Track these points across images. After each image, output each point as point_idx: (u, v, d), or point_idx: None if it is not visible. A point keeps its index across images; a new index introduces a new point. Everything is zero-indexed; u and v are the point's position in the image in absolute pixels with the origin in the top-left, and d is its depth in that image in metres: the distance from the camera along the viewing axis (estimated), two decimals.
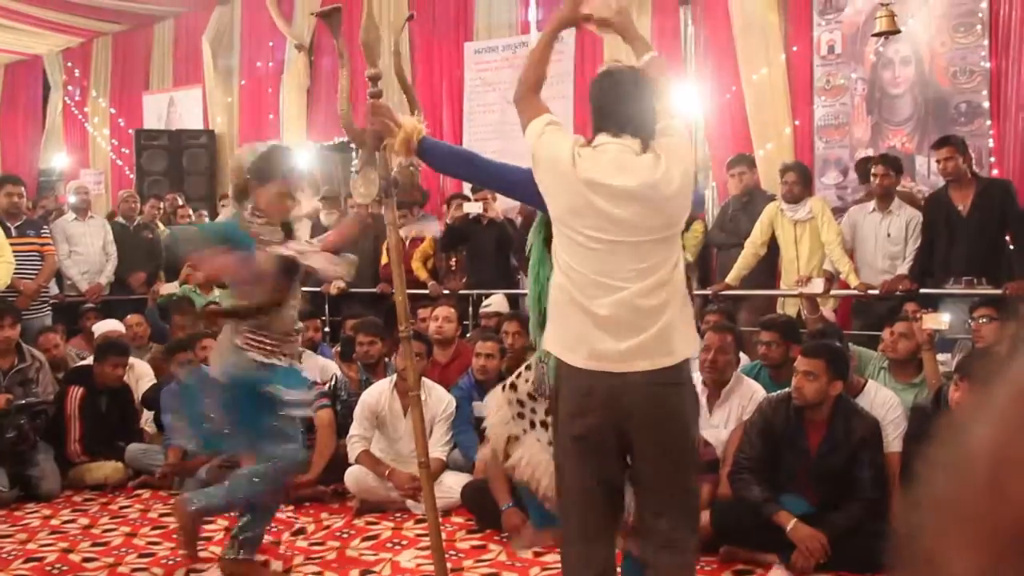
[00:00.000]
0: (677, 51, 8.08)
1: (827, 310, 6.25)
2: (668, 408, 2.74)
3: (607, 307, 2.68)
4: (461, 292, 7.19)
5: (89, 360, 6.37)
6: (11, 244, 6.91)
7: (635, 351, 2.67)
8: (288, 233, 3.92)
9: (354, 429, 5.28)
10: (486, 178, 3.38)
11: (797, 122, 7.52)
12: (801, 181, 6.52)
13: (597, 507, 2.83)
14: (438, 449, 5.20)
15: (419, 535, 4.59)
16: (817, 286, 6.07)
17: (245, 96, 10.76)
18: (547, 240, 3.12)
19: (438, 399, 5.29)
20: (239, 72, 10.79)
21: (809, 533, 3.97)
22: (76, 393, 5.99)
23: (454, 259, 7.45)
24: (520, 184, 3.13)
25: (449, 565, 4.21)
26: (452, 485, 5.08)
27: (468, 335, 6.66)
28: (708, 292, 6.89)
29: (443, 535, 4.60)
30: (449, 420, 5.26)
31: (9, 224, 7.00)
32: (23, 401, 5.70)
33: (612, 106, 2.77)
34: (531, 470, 3.06)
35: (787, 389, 4.27)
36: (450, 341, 5.95)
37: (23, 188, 7.57)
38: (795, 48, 7.51)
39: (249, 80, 10.72)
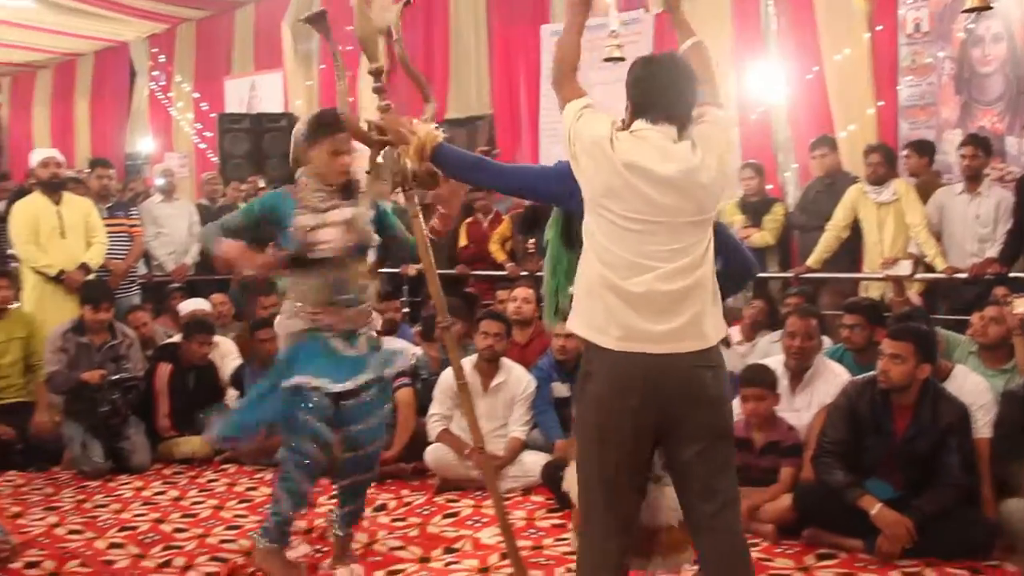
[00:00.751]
0: (757, 32, 7.97)
1: (913, 293, 6.13)
2: (710, 390, 2.71)
3: (642, 286, 2.67)
4: (539, 273, 7.19)
5: (176, 338, 6.54)
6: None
7: (673, 333, 2.66)
8: (348, 194, 3.86)
9: (434, 408, 5.35)
10: (501, 182, 3.34)
11: (881, 103, 7.36)
12: (885, 162, 6.41)
13: (622, 499, 2.79)
14: (518, 429, 5.25)
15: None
16: (904, 268, 5.96)
17: (324, 79, 10.86)
18: (562, 235, 3.13)
19: (518, 379, 5.32)
20: (318, 56, 10.89)
21: (894, 518, 3.92)
22: (164, 370, 6.16)
23: (532, 240, 7.46)
24: (536, 184, 3.16)
25: (529, 543, 4.27)
26: (532, 464, 5.12)
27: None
28: (789, 275, 6.82)
29: (523, 513, 4.72)
30: (529, 400, 5.29)
31: (100, 206, 7.19)
32: (116, 377, 5.88)
33: (651, 94, 2.74)
34: None
35: (872, 372, 4.21)
36: (529, 322, 5.97)
37: (113, 171, 7.79)
38: (880, 27, 7.34)
39: (328, 63, 10.81)
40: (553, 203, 3.18)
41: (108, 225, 7.07)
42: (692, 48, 2.93)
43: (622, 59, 5.58)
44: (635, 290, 2.67)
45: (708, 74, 2.88)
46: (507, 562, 3.89)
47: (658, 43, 8.32)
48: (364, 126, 3.52)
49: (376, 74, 3.41)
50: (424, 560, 4.14)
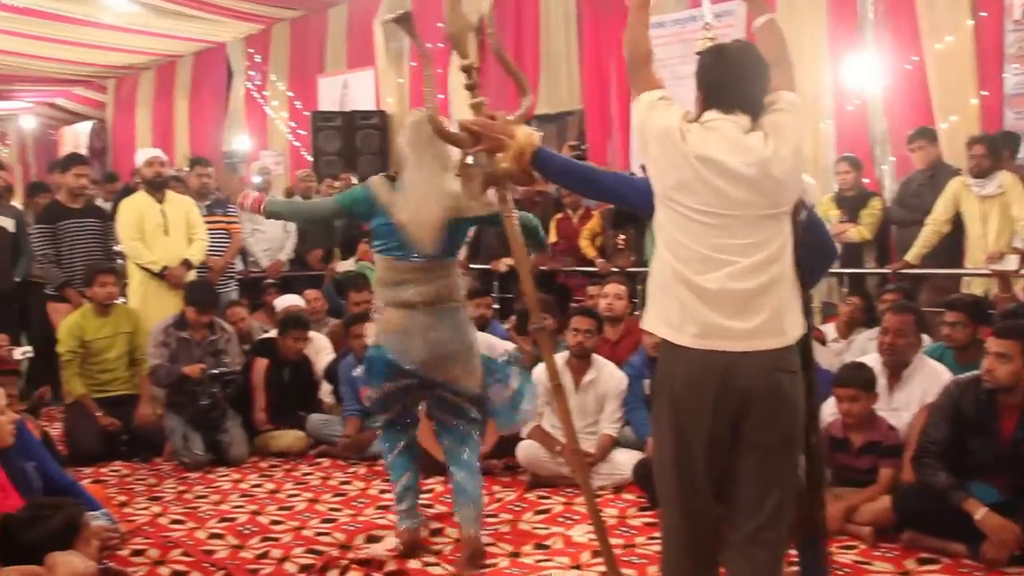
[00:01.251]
0: (854, 20, 7.79)
1: (1019, 289, 5.93)
2: (786, 394, 2.62)
3: (716, 283, 2.59)
4: (630, 270, 7.17)
5: (272, 333, 6.68)
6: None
7: (752, 330, 2.59)
8: None
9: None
10: (600, 192, 3.29)
11: (985, 92, 7.13)
12: (990, 154, 6.20)
13: (700, 503, 2.71)
14: (609, 426, 5.23)
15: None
16: (1011, 263, 5.76)
17: (416, 77, 10.97)
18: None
19: (609, 376, 5.30)
20: (409, 53, 11.00)
21: (1001, 523, 3.79)
22: (261, 364, 6.30)
23: (622, 237, 7.44)
24: (635, 197, 3.08)
25: (620, 541, 4.25)
26: (623, 462, 5.09)
27: (636, 313, 6.64)
28: (887, 271, 6.66)
29: (615, 511, 4.70)
30: (620, 397, 5.27)
31: (200, 203, 7.38)
32: (215, 371, 6.03)
33: (722, 83, 2.67)
34: None
35: (976, 371, 4.08)
36: (620, 318, 5.94)
37: (212, 169, 7.97)
38: (984, 13, 7.11)
39: (419, 61, 10.92)
40: (649, 215, 3.14)
41: (207, 222, 7.24)
42: (765, 26, 2.85)
43: None
44: (709, 286, 2.59)
45: (781, 54, 2.79)
46: (598, 560, 3.88)
47: (750, 36, 8.20)
48: (455, 127, 3.52)
49: (467, 71, 3.40)
50: (515, 556, 4.15)
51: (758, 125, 2.63)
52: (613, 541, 3.85)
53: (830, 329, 6.07)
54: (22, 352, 6.38)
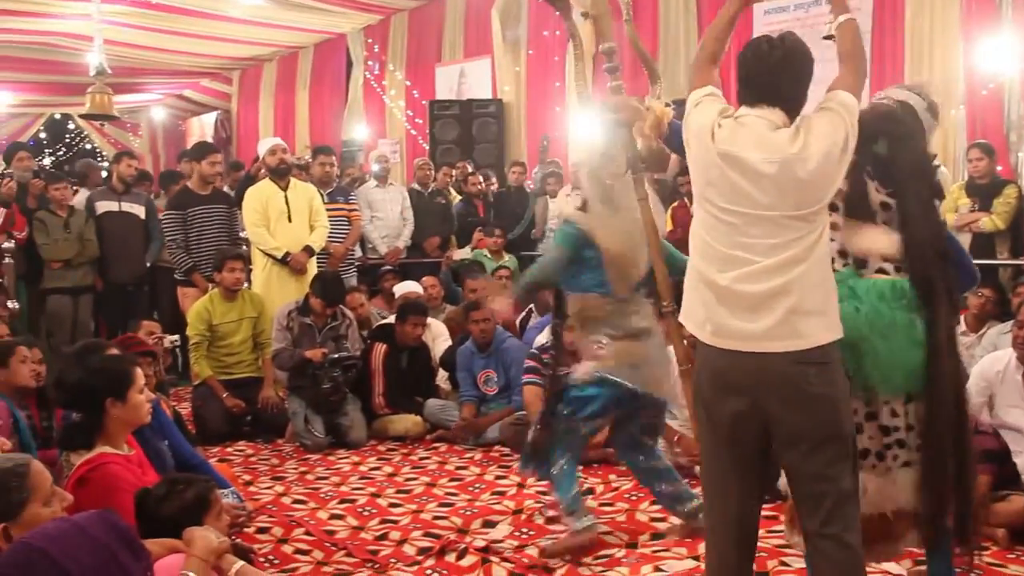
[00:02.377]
0: (991, 2, 7.47)
1: None
2: (812, 388, 2.57)
3: (733, 282, 2.59)
4: None
5: (390, 319, 6.78)
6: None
7: (764, 332, 2.57)
8: None
9: None
10: None
11: None
12: None
13: (732, 494, 2.73)
14: None
15: None
16: None
17: (532, 65, 10.97)
18: None
19: None
20: (526, 42, 11.01)
21: None
22: (380, 349, 6.40)
23: None
24: None
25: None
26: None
27: None
28: (1022, 262, 6.39)
29: None
30: None
31: (322, 191, 7.53)
32: (336, 355, 6.15)
33: (755, 76, 2.64)
34: None
35: None
36: None
37: (334, 158, 8.12)
38: None
39: (536, 49, 10.92)
40: None
41: (328, 210, 7.38)
42: (842, 25, 2.77)
43: None
44: (726, 285, 2.61)
45: (849, 56, 2.72)
46: None
47: (878, 19, 7.96)
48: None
49: (609, 54, 3.41)
50: (631, 546, 4.12)
51: (796, 121, 2.58)
52: None
53: (960, 323, 5.85)
54: (171, 341, 6.62)
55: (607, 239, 3.76)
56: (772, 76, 2.61)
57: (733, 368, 2.65)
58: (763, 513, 4.35)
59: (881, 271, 2.89)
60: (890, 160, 2.88)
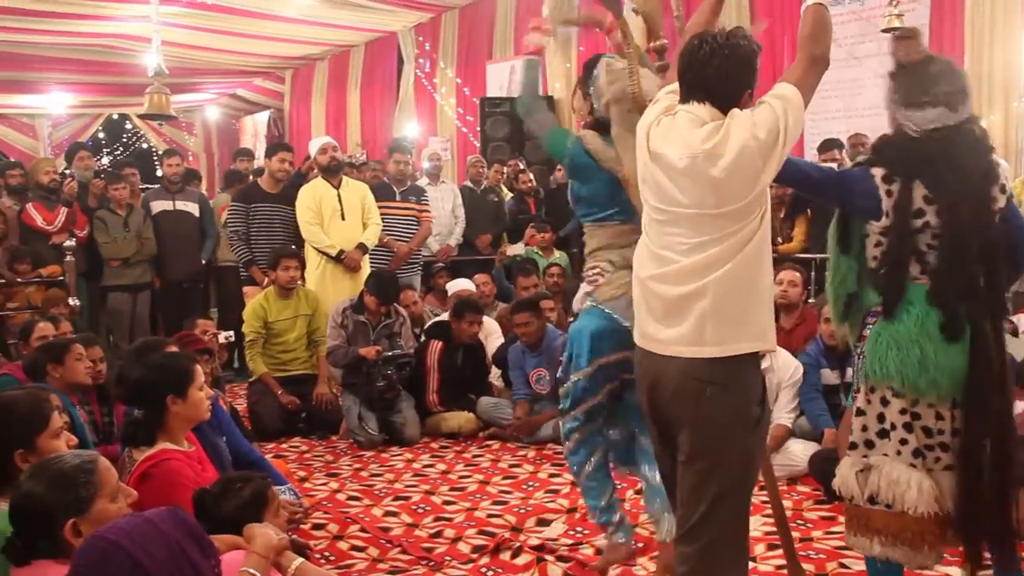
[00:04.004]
0: None
1: None
2: (702, 409, 2.56)
3: (655, 280, 2.60)
4: (805, 256, 6.95)
5: (443, 316, 6.80)
6: (394, 208, 7.53)
7: (670, 337, 2.58)
8: None
9: None
10: (786, 178, 2.98)
11: None
12: None
13: (670, 479, 2.81)
14: (783, 416, 5.09)
15: (763, 501, 4.50)
16: None
17: (583, 62, 10.92)
18: (839, 243, 3.00)
19: (784, 365, 5.16)
20: (577, 38, 10.96)
21: None
22: (436, 347, 6.42)
23: (795, 222, 7.21)
24: (822, 184, 2.97)
25: (797, 535, 4.12)
26: (798, 453, 4.96)
27: (811, 301, 6.45)
28: None
29: (790, 503, 4.57)
30: (795, 386, 5.12)
31: (396, 189, 7.58)
32: (390, 353, 6.19)
33: (685, 71, 2.60)
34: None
35: None
36: (795, 306, 5.77)
37: (410, 156, 8.14)
38: None
39: (587, 46, 10.85)
40: (842, 206, 3.02)
41: (398, 208, 7.47)
42: (807, 10, 2.68)
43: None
44: (648, 283, 2.64)
45: (805, 43, 2.62)
46: (774, 553, 3.79)
47: (936, 8, 7.81)
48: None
49: (660, 51, 3.38)
50: None
51: (726, 116, 2.52)
52: None
53: (1022, 320, 5.73)
54: (225, 337, 6.71)
55: (630, 163, 3.26)
56: (699, 71, 2.55)
57: (644, 369, 2.71)
58: (822, 514, 4.38)
59: None
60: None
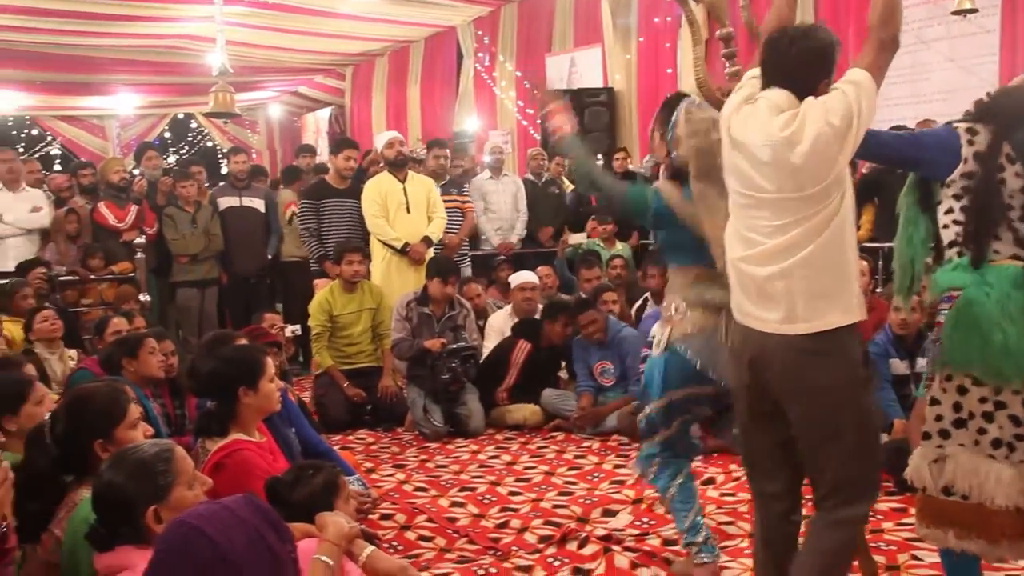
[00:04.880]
0: None
1: None
2: (808, 380, 2.63)
3: (746, 262, 2.68)
4: (872, 245, 6.84)
5: (507, 309, 6.84)
6: None
7: (769, 314, 2.64)
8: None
9: None
10: (864, 152, 2.93)
11: None
12: None
13: (759, 467, 2.89)
14: None
15: None
16: None
17: (643, 52, 10.87)
18: (919, 201, 2.95)
19: None
20: (637, 29, 10.91)
21: None
22: (524, 347, 6.41)
23: (863, 211, 7.09)
24: (901, 148, 2.93)
25: (868, 526, 4.08)
26: None
27: (879, 290, 6.35)
28: None
29: None
30: None
31: (436, 183, 7.62)
32: (455, 345, 6.23)
33: (766, 59, 2.69)
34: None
35: None
36: (863, 295, 5.67)
37: (448, 151, 8.21)
38: None
39: (647, 36, 10.82)
40: (924, 173, 2.97)
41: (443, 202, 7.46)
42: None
43: (974, 10, 5.14)
44: (740, 265, 2.72)
45: (875, 27, 2.64)
46: None
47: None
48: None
49: (726, 40, 3.37)
50: (752, 535, 4.06)
51: (802, 104, 2.59)
52: None
53: None
54: (291, 331, 6.81)
55: (710, 222, 3.30)
56: (779, 58, 2.65)
57: (745, 345, 2.76)
58: (892, 505, 4.31)
59: (1016, 257, 2.78)
60: None
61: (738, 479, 4.86)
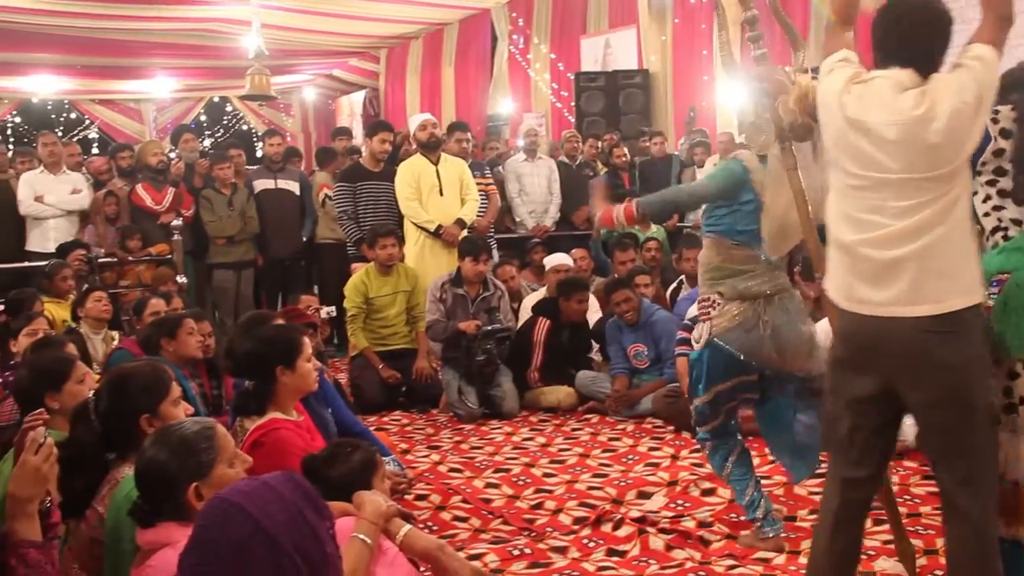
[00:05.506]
0: None
1: None
2: (937, 357, 2.52)
3: (865, 245, 2.57)
4: None
5: (541, 291, 6.84)
6: None
7: (893, 297, 2.54)
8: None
9: None
10: None
11: None
12: None
13: (850, 456, 2.74)
14: None
15: None
16: None
17: (678, 33, 10.79)
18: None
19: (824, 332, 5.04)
20: (672, 10, 10.83)
21: None
22: (544, 325, 6.42)
23: None
24: None
25: (904, 510, 4.04)
26: (905, 427, 4.80)
27: None
28: None
29: (896, 479, 4.48)
30: None
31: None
32: (489, 327, 6.24)
33: (885, 37, 2.58)
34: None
35: None
36: None
37: (470, 134, 8.18)
38: None
39: (682, 17, 10.73)
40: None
41: None
42: None
43: None
44: (857, 249, 2.61)
45: (991, 2, 2.56)
46: (880, 528, 3.72)
47: None
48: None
49: (751, 22, 3.34)
50: (790, 519, 4.04)
51: (927, 81, 2.50)
52: None
53: None
54: (327, 312, 6.84)
55: (776, 197, 3.50)
56: (901, 36, 2.56)
57: (860, 331, 2.65)
58: (930, 489, 4.27)
59: None
60: None
61: (773, 462, 4.83)
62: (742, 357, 3.62)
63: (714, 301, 3.65)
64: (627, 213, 3.72)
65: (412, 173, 7.08)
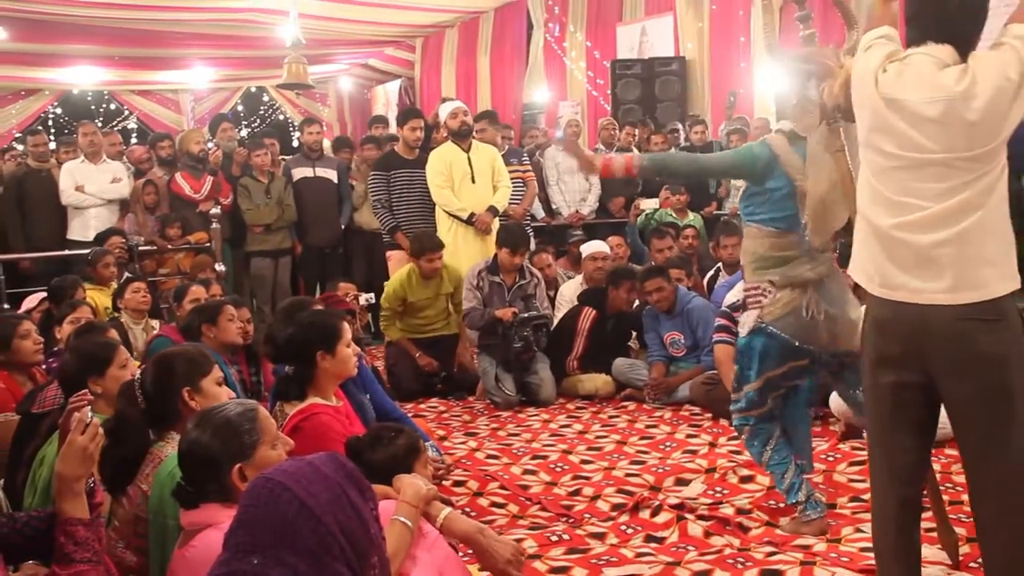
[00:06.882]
0: None
1: None
2: (978, 346, 2.43)
3: (898, 230, 2.50)
4: None
5: (578, 279, 6.82)
6: None
7: (928, 285, 2.47)
8: None
9: None
10: None
11: None
12: None
13: (894, 445, 2.67)
14: None
15: None
16: None
17: (715, 20, 10.70)
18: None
19: None
20: None
21: None
22: (589, 314, 6.40)
23: None
24: None
25: (946, 498, 3.99)
26: (944, 417, 4.77)
27: None
28: None
29: (938, 467, 4.42)
30: None
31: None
32: (526, 314, 6.23)
33: (921, 11, 2.51)
34: None
35: None
36: None
37: (511, 131, 8.17)
38: None
39: (719, 4, 10.64)
40: None
41: None
42: None
43: None
44: (893, 233, 2.52)
45: None
46: (925, 516, 3.65)
47: None
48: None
49: (799, 1, 3.31)
50: (830, 507, 4.01)
51: (967, 58, 2.44)
52: None
53: None
54: (365, 299, 6.85)
55: (816, 181, 3.47)
56: (938, 9, 2.50)
57: (897, 319, 2.57)
58: None
59: None
60: None
61: (812, 449, 4.80)
62: (797, 343, 3.63)
63: (764, 289, 3.65)
64: (627, 163, 3.74)
65: (443, 161, 7.09)
